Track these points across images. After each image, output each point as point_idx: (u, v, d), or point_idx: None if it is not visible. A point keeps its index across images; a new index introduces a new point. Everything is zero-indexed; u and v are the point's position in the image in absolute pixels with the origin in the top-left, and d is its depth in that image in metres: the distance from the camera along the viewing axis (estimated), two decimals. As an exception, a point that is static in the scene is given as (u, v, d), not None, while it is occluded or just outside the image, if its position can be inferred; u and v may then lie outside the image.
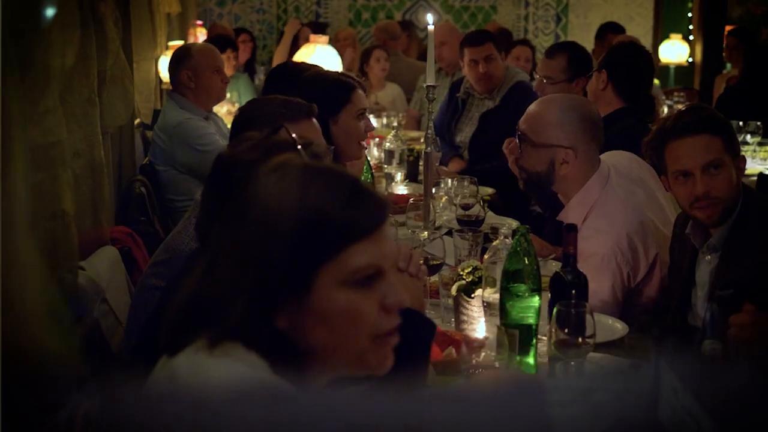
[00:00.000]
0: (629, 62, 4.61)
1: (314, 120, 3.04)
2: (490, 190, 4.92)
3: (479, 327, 2.84)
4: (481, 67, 5.88)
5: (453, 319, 2.92)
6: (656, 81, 10.29)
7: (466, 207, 3.90)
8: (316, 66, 4.57)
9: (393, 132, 5.31)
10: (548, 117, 3.38)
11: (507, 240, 2.88)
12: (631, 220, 3.30)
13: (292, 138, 2.31)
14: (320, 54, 6.18)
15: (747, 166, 3.19)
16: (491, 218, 4.45)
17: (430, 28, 3.73)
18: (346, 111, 3.78)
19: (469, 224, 3.73)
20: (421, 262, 2.72)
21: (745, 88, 7.08)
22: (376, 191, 1.69)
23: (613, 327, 3.03)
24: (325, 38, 6.43)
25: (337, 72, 4.16)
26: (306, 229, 1.54)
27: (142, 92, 5.18)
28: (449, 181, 4.45)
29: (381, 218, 1.62)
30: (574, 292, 2.58)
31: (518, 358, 2.61)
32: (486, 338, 2.79)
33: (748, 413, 1.36)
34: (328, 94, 3.78)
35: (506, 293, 2.62)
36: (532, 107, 3.46)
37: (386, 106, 7.66)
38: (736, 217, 2.96)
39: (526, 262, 2.61)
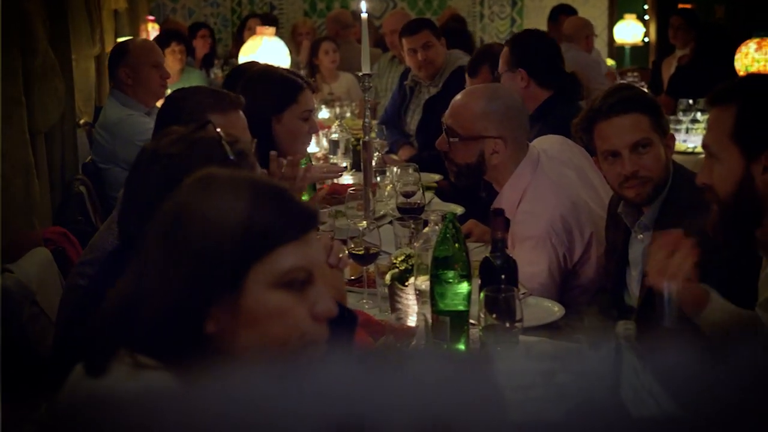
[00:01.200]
0: (540, 52, 4.58)
1: (241, 112, 3.01)
2: (436, 177, 4.91)
3: (413, 315, 2.83)
4: (420, 54, 5.89)
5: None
6: (611, 61, 10.38)
7: (407, 195, 3.89)
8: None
9: (337, 122, 5.28)
10: (473, 109, 3.37)
11: (437, 227, 2.86)
12: (563, 202, 3.30)
13: (218, 134, 2.29)
14: (267, 46, 6.14)
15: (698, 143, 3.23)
16: (438, 205, 4.45)
17: (364, 16, 3.72)
18: (291, 111, 3.74)
19: (409, 212, 3.72)
20: (346, 252, 2.71)
21: (697, 66, 7.11)
22: (304, 202, 1.70)
23: (551, 309, 3.03)
24: (271, 30, 6.38)
25: (287, 70, 4.12)
26: (232, 233, 1.54)
27: (82, 90, 5.12)
28: (394, 169, 4.43)
29: (308, 223, 1.63)
30: (503, 276, 2.57)
31: (449, 345, 2.60)
32: (416, 326, 2.77)
33: (708, 392, 1.36)
34: (275, 91, 3.75)
35: (436, 280, 2.61)
36: (455, 101, 3.45)
37: (341, 96, 7.63)
38: (666, 196, 2.96)
39: (455, 248, 2.60)
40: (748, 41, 6.47)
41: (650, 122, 2.94)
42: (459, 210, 4.26)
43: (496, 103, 3.38)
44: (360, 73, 3.72)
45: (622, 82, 3.51)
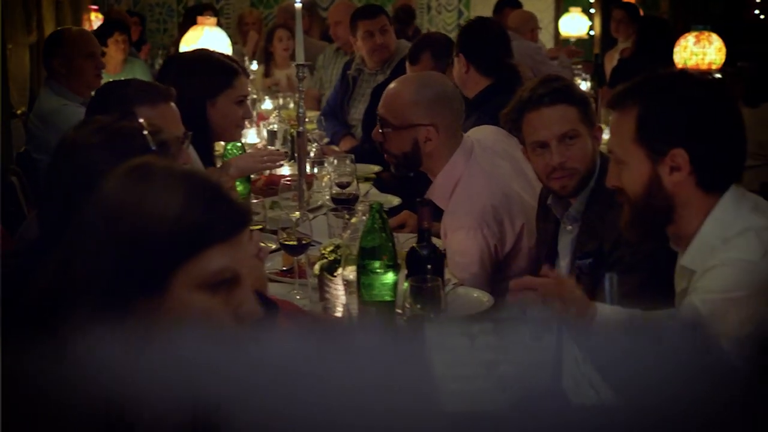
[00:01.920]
0: (482, 39, 4.59)
1: (173, 105, 2.99)
2: (376, 168, 4.90)
3: (341, 306, 2.83)
4: (378, 38, 5.88)
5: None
6: (557, 54, 10.41)
7: (342, 185, 3.89)
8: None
9: (275, 112, 5.27)
10: (405, 98, 3.38)
11: (365, 217, 2.87)
12: (495, 193, 3.32)
13: (140, 124, 2.27)
14: (208, 36, 6.10)
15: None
16: (375, 196, 4.45)
17: (297, 5, 3.71)
18: (226, 95, 3.72)
19: (343, 202, 3.72)
20: (275, 245, 2.70)
21: (638, 59, 7.17)
22: (235, 198, 1.66)
23: (479, 300, 3.04)
24: (213, 20, 6.33)
25: (223, 55, 4.10)
26: (163, 230, 1.51)
27: (17, 80, 5.06)
28: (332, 160, 4.43)
29: (240, 224, 1.60)
30: (429, 266, 2.58)
31: (375, 335, 2.60)
32: (343, 317, 2.78)
33: (646, 382, 1.37)
34: (209, 75, 3.74)
35: (363, 270, 2.62)
36: (387, 90, 3.46)
37: (290, 86, 7.60)
38: (593, 187, 2.99)
39: (382, 238, 2.61)
40: (686, 35, 6.55)
41: (578, 114, 2.95)
42: (395, 201, 4.27)
43: (427, 90, 3.39)
44: (294, 63, 3.71)
45: (551, 74, 3.50)
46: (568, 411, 1.42)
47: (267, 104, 7.02)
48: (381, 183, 4.72)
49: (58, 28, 5.42)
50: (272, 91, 7.38)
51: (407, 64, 5.08)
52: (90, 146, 2.23)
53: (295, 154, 3.82)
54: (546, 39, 11.40)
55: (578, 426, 1.25)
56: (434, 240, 3.48)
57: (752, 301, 2.12)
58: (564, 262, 3.07)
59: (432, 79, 3.52)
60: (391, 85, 3.49)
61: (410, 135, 3.35)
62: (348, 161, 4.39)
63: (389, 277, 2.60)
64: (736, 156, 2.32)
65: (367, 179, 4.87)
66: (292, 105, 7.12)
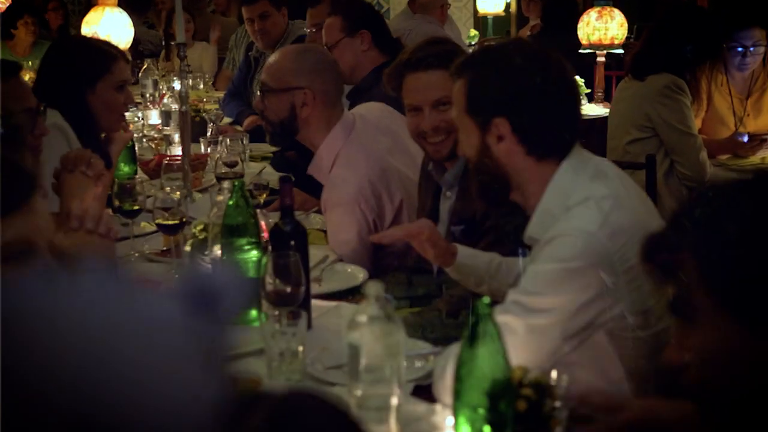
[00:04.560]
0: (376, 15, 4.64)
1: (21, 78, 2.98)
2: (273, 148, 4.89)
3: (212, 283, 2.84)
4: (256, 24, 5.89)
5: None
6: (474, 31, 10.48)
7: (230, 165, 3.88)
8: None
9: (169, 93, 5.24)
10: (284, 62, 3.44)
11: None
12: (373, 167, 3.35)
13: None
14: (109, 18, 6.03)
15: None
16: (269, 174, 4.45)
17: (178, -18, 3.70)
18: (105, 81, 3.68)
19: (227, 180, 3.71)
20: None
21: (545, 36, 7.24)
22: (23, 164, 1.64)
23: (354, 275, 3.07)
24: (114, 0, 6.26)
25: (100, 41, 4.07)
26: None
27: None
28: (225, 139, 4.42)
29: (27, 193, 1.58)
30: (293, 242, 2.59)
31: (241, 312, 2.62)
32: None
33: None
34: (86, 62, 3.69)
35: (227, 248, 2.62)
36: (270, 58, 3.50)
37: (193, 67, 7.55)
38: None
39: (244, 216, 2.61)
40: (589, 10, 6.61)
41: None
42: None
43: (305, 55, 3.47)
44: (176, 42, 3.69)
45: (436, 36, 3.51)
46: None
47: (176, 85, 6.97)
48: (276, 161, 4.72)
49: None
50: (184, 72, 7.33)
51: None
52: None
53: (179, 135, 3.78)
54: (466, 17, 11.46)
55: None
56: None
57: (589, 272, 2.14)
58: (442, 229, 3.10)
59: (311, 49, 3.64)
60: (273, 53, 3.54)
61: (287, 99, 3.39)
62: (242, 141, 4.40)
63: (253, 254, 2.61)
64: (564, 125, 2.32)
65: (264, 158, 4.87)
66: (202, 86, 7.10)
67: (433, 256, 2.62)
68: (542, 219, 2.29)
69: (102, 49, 3.73)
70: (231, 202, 2.61)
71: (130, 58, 6.90)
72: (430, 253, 2.60)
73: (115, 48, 3.83)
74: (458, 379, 1.75)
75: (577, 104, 2.39)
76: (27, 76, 6.24)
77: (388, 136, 3.50)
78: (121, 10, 6.22)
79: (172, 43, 3.83)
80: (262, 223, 2.86)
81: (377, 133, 3.48)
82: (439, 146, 3.00)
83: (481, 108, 2.30)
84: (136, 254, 3.31)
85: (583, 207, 2.21)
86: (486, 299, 1.72)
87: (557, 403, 1.88)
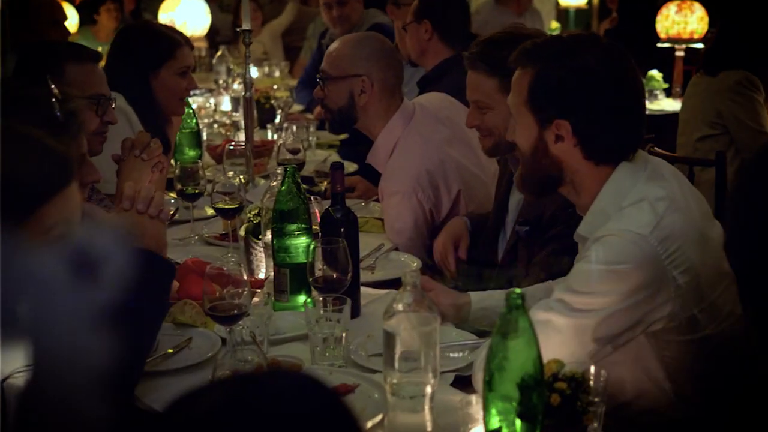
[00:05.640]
0: (449, 6, 4.57)
1: (98, 66, 3.03)
2: (342, 136, 4.92)
3: (264, 268, 2.87)
4: (335, 10, 5.90)
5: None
6: (556, 23, 10.39)
7: (293, 151, 3.91)
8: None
9: (239, 79, 5.29)
10: (343, 50, 3.44)
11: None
12: (431, 157, 3.34)
13: (51, 90, 2.29)
14: (186, 4, 6.11)
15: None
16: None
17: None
18: (168, 67, 3.74)
19: (289, 168, 3.73)
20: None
21: (621, 29, 7.14)
22: (61, 150, 1.66)
23: (407, 263, 3.07)
24: (191, -13, 6.35)
25: (166, 26, 4.13)
26: None
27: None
28: (292, 126, 4.46)
29: (67, 177, 1.61)
30: (342, 229, 2.60)
31: (290, 297, 2.64)
32: (265, 279, 2.81)
33: None
34: (151, 47, 3.75)
35: (277, 233, 2.64)
36: (330, 46, 3.51)
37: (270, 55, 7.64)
38: None
39: (295, 201, 2.63)
40: (668, 3, 6.51)
41: (498, 85, 2.86)
42: (351, 168, 4.30)
43: (364, 43, 3.47)
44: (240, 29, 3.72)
45: (500, 33, 3.34)
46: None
47: (253, 72, 7.04)
48: (342, 149, 4.74)
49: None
50: (261, 59, 7.41)
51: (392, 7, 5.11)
52: None
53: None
54: (548, 8, 11.35)
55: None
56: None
57: (637, 275, 2.09)
58: (509, 223, 3.06)
59: (371, 37, 3.58)
60: (333, 42, 3.55)
61: (346, 86, 3.39)
62: (308, 128, 4.43)
63: (303, 240, 2.62)
64: (628, 131, 2.24)
65: (331, 146, 4.90)
66: (277, 73, 7.16)
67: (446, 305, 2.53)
68: (595, 218, 2.22)
69: (166, 34, 3.79)
70: (283, 188, 2.63)
71: (206, 44, 7.02)
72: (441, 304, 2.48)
73: (180, 34, 3.88)
74: (489, 370, 1.74)
75: (644, 111, 2.30)
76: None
77: (448, 127, 3.48)
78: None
79: (237, 29, 3.85)
80: (316, 210, 2.88)
81: (437, 123, 3.47)
82: (482, 141, 2.98)
83: (544, 105, 2.21)
84: (196, 237, 3.35)
85: (636, 208, 2.14)
86: (518, 290, 1.70)
87: (593, 398, 1.86)
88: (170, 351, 2.39)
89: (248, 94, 3.76)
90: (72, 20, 7.07)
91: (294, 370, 0.96)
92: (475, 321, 2.54)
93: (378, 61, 3.40)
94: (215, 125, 5.15)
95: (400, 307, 1.91)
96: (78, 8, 7.93)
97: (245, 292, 2.30)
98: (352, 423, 0.99)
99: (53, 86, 2.29)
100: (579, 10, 11.01)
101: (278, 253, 2.63)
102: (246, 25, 3.70)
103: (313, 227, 2.69)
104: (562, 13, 11.26)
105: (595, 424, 1.85)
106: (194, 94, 6.03)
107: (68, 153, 1.65)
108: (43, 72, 2.46)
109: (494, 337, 1.73)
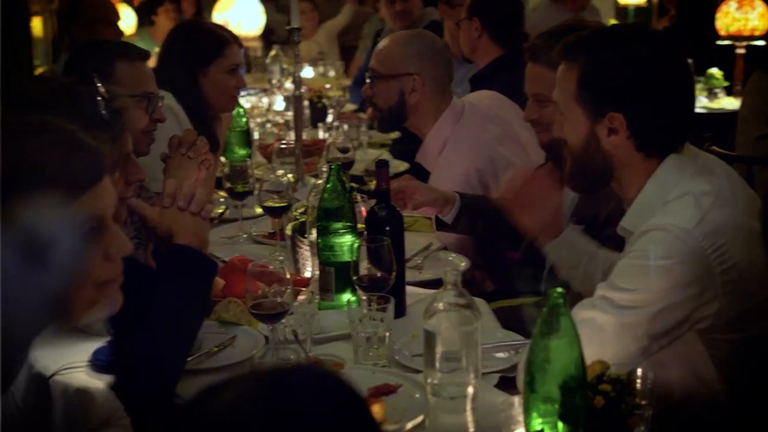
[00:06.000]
0: (500, 5, 4.52)
1: (147, 65, 3.04)
2: (395, 134, 4.89)
3: (311, 266, 2.85)
4: (398, 5, 5.87)
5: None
6: (614, 21, 10.26)
7: (343, 150, 3.90)
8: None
9: (291, 78, 5.28)
10: (393, 48, 3.42)
11: (328, 179, 2.86)
12: (480, 156, 3.30)
13: (98, 88, 2.30)
14: (240, 4, 6.13)
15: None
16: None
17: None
18: (217, 64, 3.73)
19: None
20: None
21: (679, 29, 7.02)
22: (93, 146, 1.66)
23: (455, 262, 3.04)
24: (246, -13, 6.36)
25: (215, 24, 4.13)
26: (24, 190, 1.50)
27: (40, 45, 5.16)
28: (344, 125, 4.45)
29: (99, 171, 1.61)
30: (388, 228, 2.57)
31: (337, 295, 2.62)
32: (311, 277, 2.79)
33: None
34: (199, 45, 3.75)
35: (322, 231, 2.62)
36: (380, 44, 3.48)
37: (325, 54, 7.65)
38: None
39: (340, 200, 2.61)
40: (728, 0, 6.38)
41: None
42: (403, 167, 4.27)
43: (414, 42, 3.45)
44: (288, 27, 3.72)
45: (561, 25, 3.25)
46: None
47: (308, 71, 7.07)
48: (395, 148, 4.72)
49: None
50: (316, 59, 7.42)
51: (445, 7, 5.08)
52: (42, 105, 2.27)
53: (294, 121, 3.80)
54: (606, 7, 11.21)
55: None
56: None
57: (681, 270, 2.04)
58: (564, 219, 3.01)
59: (421, 34, 3.57)
60: (383, 40, 3.52)
61: (396, 85, 3.38)
62: (359, 128, 4.41)
63: (348, 238, 2.60)
64: (680, 122, 2.19)
65: (383, 145, 4.88)
66: (332, 73, 7.16)
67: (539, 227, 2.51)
68: (639, 211, 2.18)
69: (215, 32, 3.78)
70: (328, 186, 2.61)
71: (260, 44, 7.04)
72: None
73: (229, 32, 3.87)
74: (530, 371, 1.70)
75: (693, 101, 2.24)
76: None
77: (498, 125, 3.44)
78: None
79: (286, 27, 3.84)
80: (363, 208, 2.86)
81: (486, 121, 3.43)
82: (540, 136, 2.94)
83: (596, 99, 2.16)
84: (244, 235, 3.35)
85: (681, 202, 2.09)
86: (559, 289, 1.66)
87: (639, 401, 1.81)
88: (214, 349, 2.38)
89: (298, 92, 3.74)
90: (130, 21, 7.14)
91: (316, 367, 0.94)
92: (562, 244, 2.55)
93: (430, 59, 3.38)
94: (268, 124, 5.15)
95: (440, 306, 1.88)
96: (136, 9, 8.00)
97: (288, 291, 2.29)
98: (371, 423, 0.96)
99: (99, 85, 2.30)
100: (638, 8, 10.85)
101: (323, 251, 2.61)
102: (294, 23, 3.68)
103: (359, 225, 2.67)
104: (621, 11, 11.11)
105: (642, 428, 1.80)
106: (248, 94, 6.07)
107: (100, 149, 1.64)
108: (92, 70, 2.46)
109: (535, 337, 1.69)
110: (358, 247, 2.46)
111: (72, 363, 2.34)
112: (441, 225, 3.05)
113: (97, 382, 2.23)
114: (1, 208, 1.47)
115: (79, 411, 2.26)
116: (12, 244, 1.45)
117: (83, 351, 2.35)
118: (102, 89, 2.28)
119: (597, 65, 2.16)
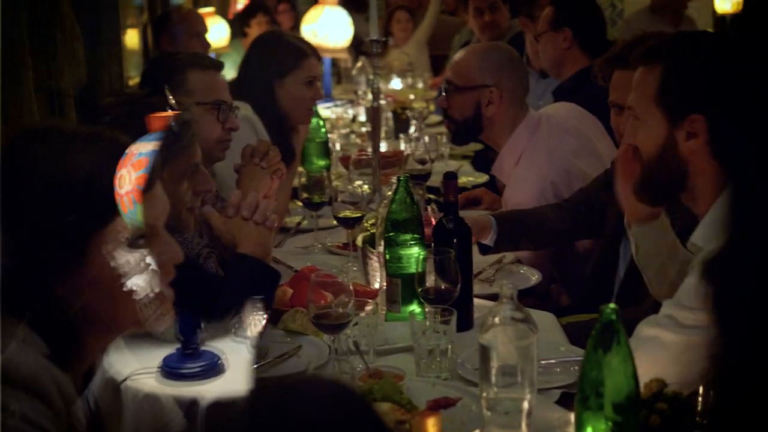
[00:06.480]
0: (591, 14, 4.45)
1: (221, 74, 3.09)
2: (477, 146, 4.87)
3: (380, 278, 2.85)
4: (486, 16, 5.84)
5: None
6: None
7: (421, 161, 3.90)
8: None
9: (371, 90, 5.30)
10: (471, 60, 3.41)
11: (402, 191, 2.86)
12: (556, 168, 3.27)
13: (168, 100, 2.35)
14: (328, 16, 6.17)
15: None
16: (466, 173, 4.45)
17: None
18: (294, 76, 3.76)
19: (415, 178, 3.71)
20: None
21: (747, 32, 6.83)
22: None
23: (527, 276, 3.01)
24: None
25: (295, 36, 4.18)
26: (75, 198, 1.54)
27: (131, 57, 5.27)
28: (425, 137, 4.45)
29: (150, 184, 1.63)
30: (455, 240, 2.56)
31: (401, 307, 2.61)
32: (379, 289, 2.79)
33: None
34: (277, 56, 3.79)
35: (389, 243, 2.62)
36: (456, 56, 3.48)
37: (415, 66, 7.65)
38: None
39: (408, 211, 2.60)
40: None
41: None
42: (482, 179, 4.26)
43: (492, 53, 3.43)
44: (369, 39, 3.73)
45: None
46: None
47: (396, 83, 7.09)
48: (476, 160, 4.70)
49: (168, 8, 5.60)
50: (406, 70, 7.43)
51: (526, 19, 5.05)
52: (115, 117, 2.32)
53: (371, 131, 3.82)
54: (704, 18, 10.99)
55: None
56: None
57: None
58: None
59: (498, 46, 3.57)
60: (460, 51, 3.52)
61: (473, 96, 3.36)
62: (442, 139, 4.41)
63: (415, 250, 2.59)
64: (759, 128, 2.15)
65: (465, 157, 4.86)
66: (420, 84, 7.17)
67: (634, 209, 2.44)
68: (711, 228, 2.12)
69: (293, 44, 3.82)
70: (397, 197, 2.60)
71: (348, 56, 7.08)
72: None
73: (308, 44, 3.90)
74: (583, 388, 1.67)
75: None
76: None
77: (575, 137, 3.40)
78: (341, 8, 6.34)
79: (366, 39, 3.86)
80: (433, 220, 2.85)
81: (563, 134, 3.39)
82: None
83: (676, 101, 2.12)
84: (319, 246, 3.37)
85: None
86: (611, 305, 1.63)
87: (702, 421, 1.76)
88: (278, 358, 2.40)
89: (376, 103, 3.75)
90: (223, 33, 7.24)
91: (325, 377, 0.94)
92: (654, 229, 2.45)
93: (506, 71, 3.36)
94: (352, 135, 5.18)
95: (496, 320, 1.86)
96: (230, 21, 8.12)
97: (351, 302, 2.29)
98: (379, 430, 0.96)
99: (170, 96, 2.34)
100: (735, 17, 10.59)
101: (390, 262, 2.61)
102: (374, 35, 3.70)
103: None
104: (719, 21, 10.88)
105: (697, 449, 1.76)
106: (335, 105, 6.12)
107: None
108: (165, 81, 2.51)
109: (587, 353, 1.66)
110: (424, 258, 2.45)
111: (143, 369, 2.38)
112: (485, 249, 3.00)
113: (166, 388, 2.27)
114: (50, 215, 1.51)
115: (148, 415, 2.30)
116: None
117: (154, 357, 2.39)
118: (172, 100, 2.32)
119: (679, 67, 2.13)
